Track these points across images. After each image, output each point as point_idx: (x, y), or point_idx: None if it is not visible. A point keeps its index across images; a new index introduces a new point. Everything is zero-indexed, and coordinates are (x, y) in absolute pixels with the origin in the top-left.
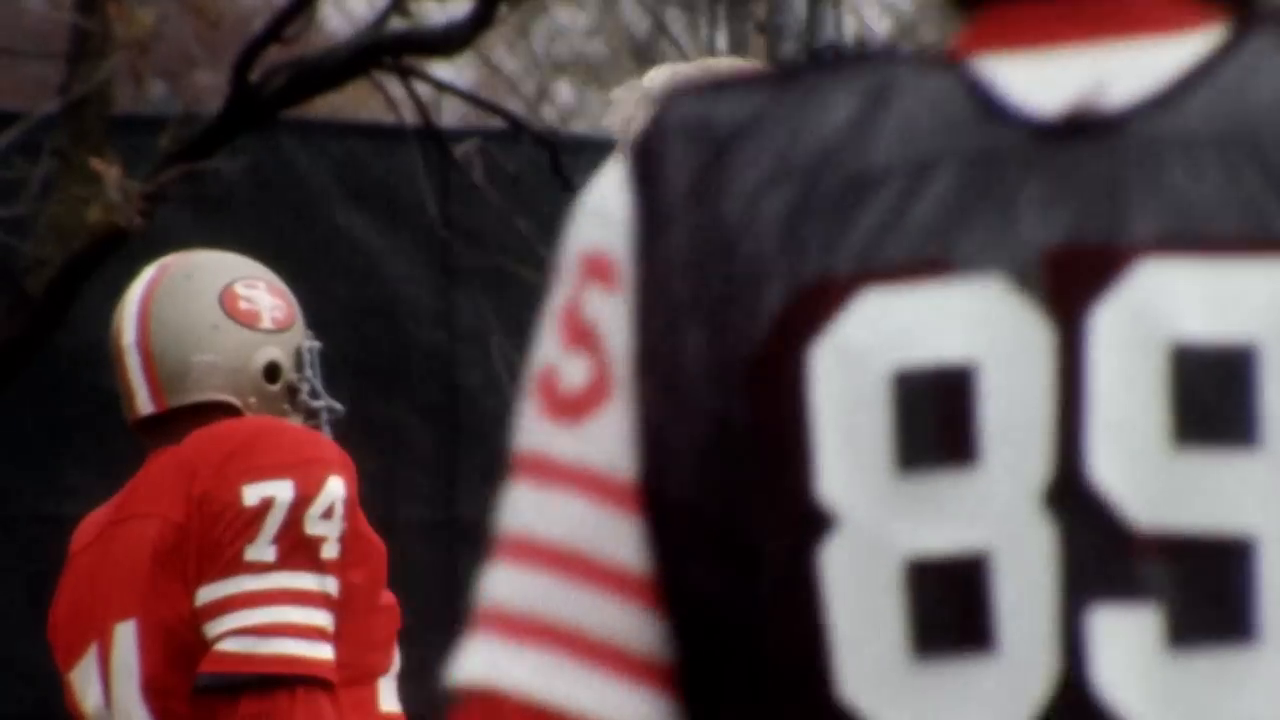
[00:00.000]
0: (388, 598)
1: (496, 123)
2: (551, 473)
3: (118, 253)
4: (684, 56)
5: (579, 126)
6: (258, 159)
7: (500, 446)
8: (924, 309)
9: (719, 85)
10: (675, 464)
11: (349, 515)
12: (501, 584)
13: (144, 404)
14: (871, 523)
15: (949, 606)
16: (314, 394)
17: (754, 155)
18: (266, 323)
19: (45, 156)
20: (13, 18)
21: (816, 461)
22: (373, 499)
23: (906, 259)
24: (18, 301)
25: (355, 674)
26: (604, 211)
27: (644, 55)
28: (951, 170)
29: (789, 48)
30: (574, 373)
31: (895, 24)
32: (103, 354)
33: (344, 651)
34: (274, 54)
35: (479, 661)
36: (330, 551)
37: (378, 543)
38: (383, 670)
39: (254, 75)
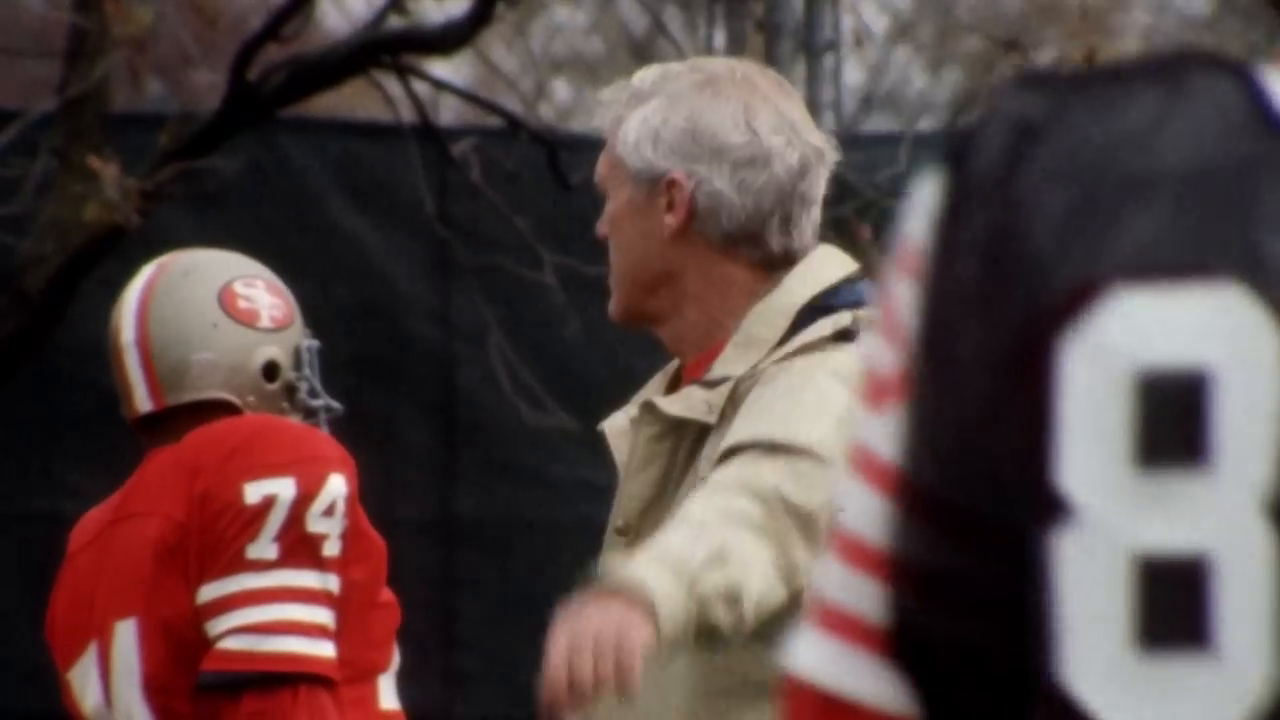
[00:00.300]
0: (387, 595)
1: (494, 121)
2: (863, 464)
3: (115, 251)
4: (681, 55)
5: (577, 124)
6: (255, 157)
7: (498, 444)
8: (1171, 312)
9: (1032, 79)
10: (937, 448)
11: (350, 513)
12: (828, 578)
13: (142, 402)
14: (1107, 516)
15: (1174, 604)
16: (312, 393)
17: (1048, 151)
18: (265, 321)
19: (43, 155)
20: (10, 16)
21: (1060, 452)
22: (369, 496)
23: (1162, 262)
24: (15, 300)
25: (356, 671)
26: (918, 201)
27: (642, 53)
28: (1219, 178)
29: (787, 46)
30: (885, 363)
31: (893, 22)
32: (100, 352)
33: (345, 649)
34: (272, 52)
35: (816, 657)
36: (332, 549)
37: (378, 540)
38: (382, 668)
39: (252, 74)
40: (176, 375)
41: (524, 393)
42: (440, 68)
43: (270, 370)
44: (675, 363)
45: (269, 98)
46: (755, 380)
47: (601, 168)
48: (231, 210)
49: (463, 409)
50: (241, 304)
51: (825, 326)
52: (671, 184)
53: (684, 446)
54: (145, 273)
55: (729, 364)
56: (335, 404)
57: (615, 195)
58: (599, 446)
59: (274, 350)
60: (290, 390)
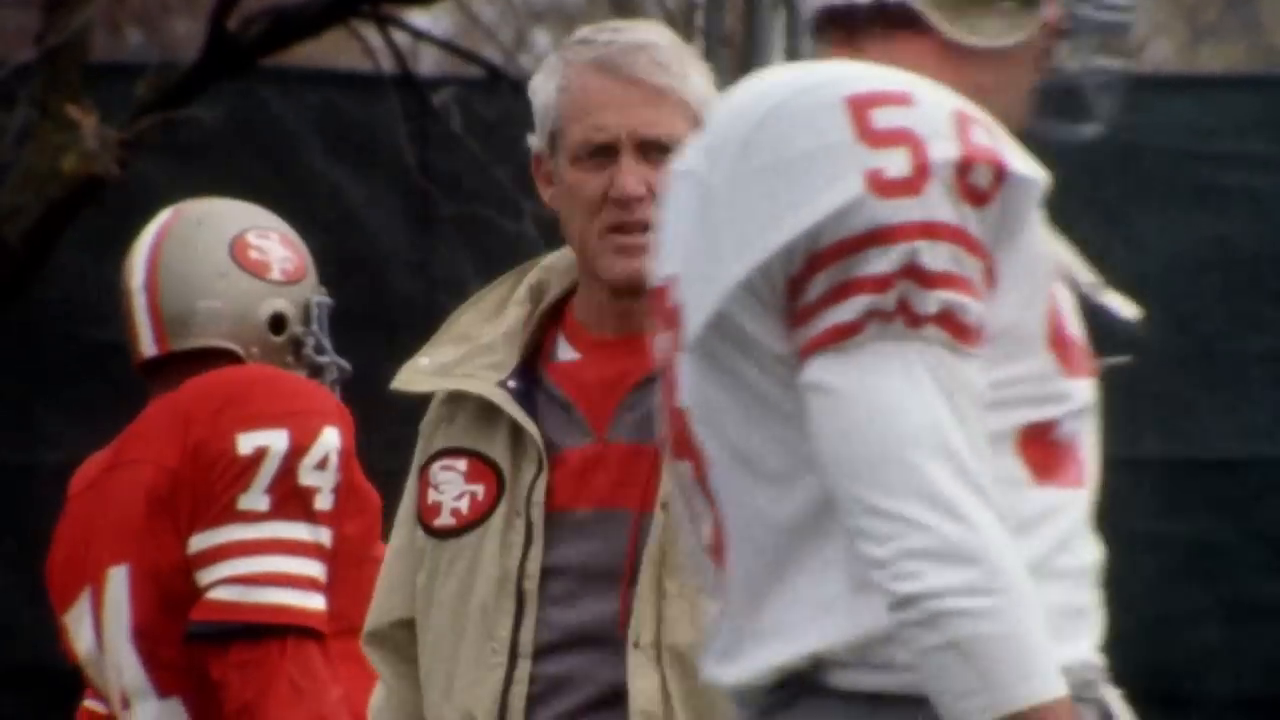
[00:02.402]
0: (382, 550)
1: (474, 71)
2: None
3: (94, 200)
4: (663, 7)
5: None
6: (235, 107)
7: None
8: None
9: None
10: None
11: (344, 467)
12: None
13: (147, 346)
14: None
15: None
16: (319, 349)
17: None
18: (276, 274)
19: (21, 105)
20: None
21: None
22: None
23: None
24: None
25: (348, 625)
26: None
27: (621, 3)
28: None
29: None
30: None
31: None
32: (80, 303)
33: (337, 602)
34: (251, 2)
35: None
36: (324, 502)
37: (373, 495)
38: None
39: (231, 23)
40: (181, 321)
41: None
42: (420, 17)
43: (277, 323)
44: (512, 315)
45: (248, 47)
46: None
47: (680, 125)
48: (211, 160)
49: None
50: (252, 254)
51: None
52: None
53: None
54: (161, 218)
55: None
56: (344, 363)
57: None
58: None
59: (282, 303)
60: (297, 345)
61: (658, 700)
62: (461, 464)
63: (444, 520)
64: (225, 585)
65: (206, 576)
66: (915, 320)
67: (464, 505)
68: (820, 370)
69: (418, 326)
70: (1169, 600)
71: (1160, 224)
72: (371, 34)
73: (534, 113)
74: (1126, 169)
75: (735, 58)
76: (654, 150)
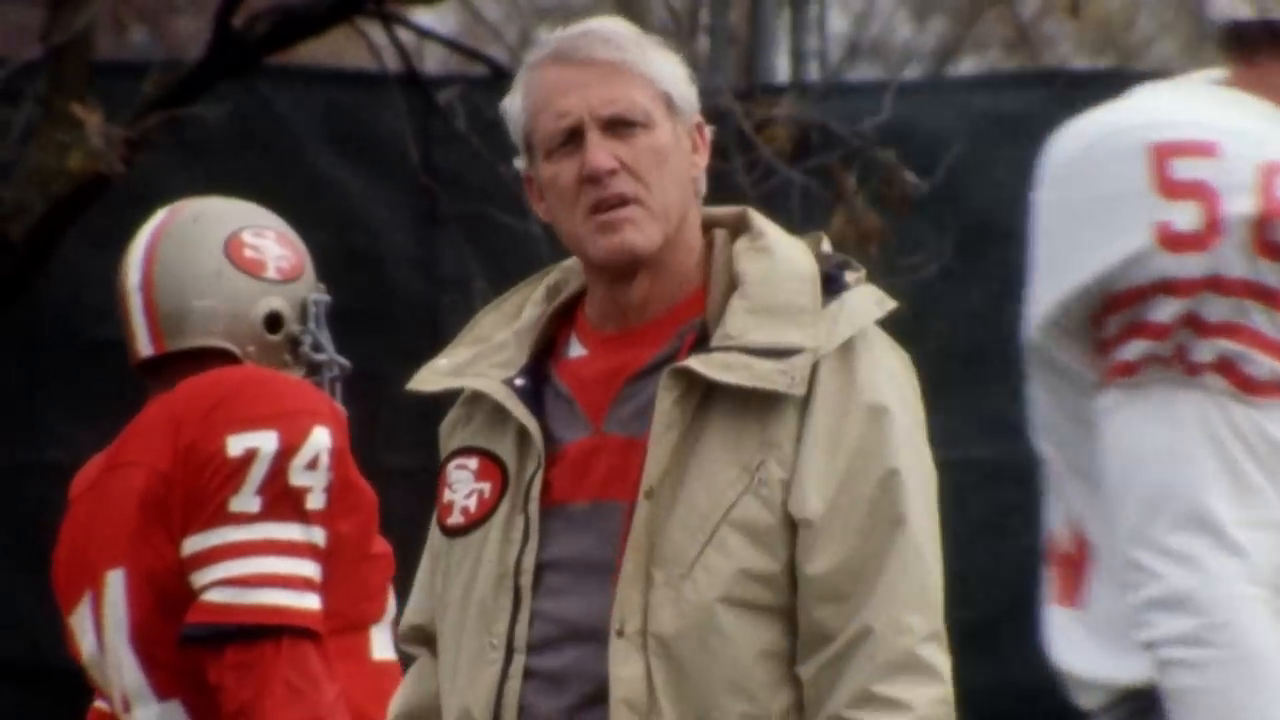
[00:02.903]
0: (381, 546)
1: (479, 69)
2: None
3: (99, 199)
4: (668, 5)
5: None
6: (240, 106)
7: None
8: None
9: None
10: None
11: (337, 465)
12: None
13: (144, 346)
14: None
15: None
16: (316, 347)
17: None
18: (271, 272)
19: (27, 103)
20: None
21: None
22: (355, 447)
23: None
24: None
25: (346, 623)
26: None
27: (627, 2)
28: None
29: None
30: None
31: None
32: (83, 300)
33: (334, 601)
34: (256, 0)
35: None
36: (316, 502)
37: (369, 492)
38: (375, 618)
39: (236, 21)
40: (177, 321)
41: None
42: (425, 16)
43: (273, 321)
44: (527, 315)
45: (253, 46)
46: (838, 369)
47: (640, 96)
48: (216, 159)
49: None
50: (247, 253)
51: (870, 306)
52: (699, 127)
53: (707, 410)
54: (157, 217)
55: (764, 331)
56: (343, 361)
57: (658, 127)
58: None
59: (278, 302)
60: (294, 343)
61: (642, 689)
62: (473, 463)
63: (455, 519)
64: (219, 587)
65: (200, 579)
66: (1192, 368)
67: (472, 503)
68: (1109, 401)
69: (422, 325)
70: None
71: None
72: (376, 32)
73: (511, 135)
74: None
75: (740, 55)
76: (620, 125)
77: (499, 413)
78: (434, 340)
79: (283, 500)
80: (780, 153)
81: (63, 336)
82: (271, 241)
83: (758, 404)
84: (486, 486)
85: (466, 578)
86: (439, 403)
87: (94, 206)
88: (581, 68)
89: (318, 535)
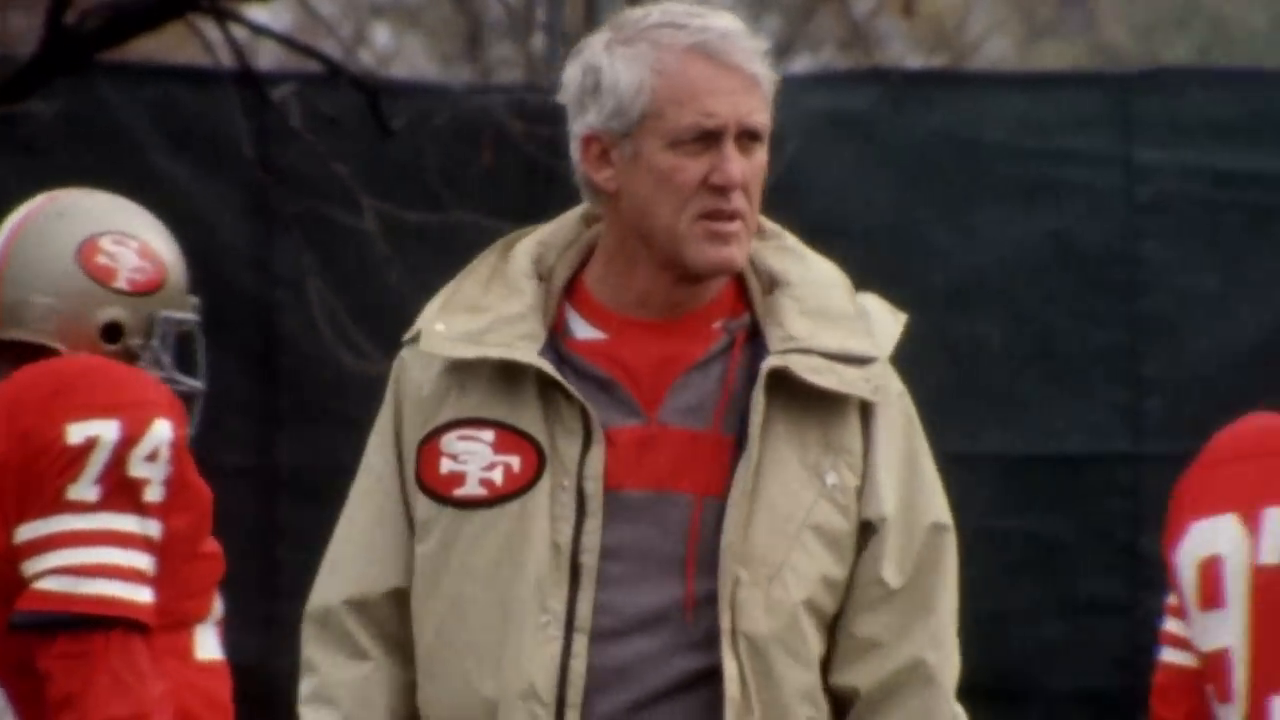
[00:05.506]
0: (211, 545)
1: (314, 66)
2: None
3: None
4: (504, 1)
5: (397, 70)
6: (73, 102)
7: (318, 392)
8: None
9: None
10: None
11: (175, 459)
12: None
13: None
14: None
15: None
16: (157, 364)
17: None
18: (120, 283)
19: None
20: None
21: None
22: (191, 443)
23: None
24: None
25: (171, 620)
26: None
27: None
28: None
29: None
30: None
31: None
32: None
33: (161, 597)
34: None
35: None
36: (154, 495)
37: (204, 490)
38: (200, 617)
39: (69, 17)
40: (16, 311)
41: (344, 340)
42: (258, 12)
43: (111, 331)
44: (529, 289)
45: (86, 42)
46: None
47: (766, 115)
48: (48, 156)
49: (284, 356)
50: (100, 259)
51: (888, 316)
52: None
53: (775, 409)
54: (33, 203)
55: (829, 335)
56: (191, 382)
57: (764, 147)
58: None
59: (119, 312)
60: (131, 357)
61: (736, 689)
62: (487, 434)
63: (470, 490)
64: (53, 575)
65: (34, 566)
66: None
67: (496, 476)
68: None
69: (258, 323)
70: (1008, 596)
71: (999, 220)
72: (210, 29)
73: (597, 91)
74: (964, 166)
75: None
76: (747, 138)
77: (506, 383)
78: (269, 338)
79: (121, 491)
80: None
81: None
82: (132, 252)
83: (819, 406)
84: (516, 460)
85: (501, 551)
86: (272, 401)
87: None
88: (731, 73)
89: (153, 528)
